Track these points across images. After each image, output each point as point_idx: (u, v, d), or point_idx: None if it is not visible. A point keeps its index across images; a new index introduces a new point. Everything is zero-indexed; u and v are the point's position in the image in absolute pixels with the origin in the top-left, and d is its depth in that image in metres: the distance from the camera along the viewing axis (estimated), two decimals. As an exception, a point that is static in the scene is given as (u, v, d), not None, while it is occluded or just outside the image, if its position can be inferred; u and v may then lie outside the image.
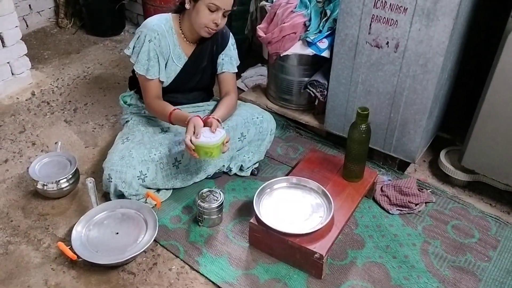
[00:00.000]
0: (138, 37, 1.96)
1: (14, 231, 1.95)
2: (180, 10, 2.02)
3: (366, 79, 2.12)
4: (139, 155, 1.97)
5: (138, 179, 1.96)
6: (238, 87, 2.97)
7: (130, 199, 1.98)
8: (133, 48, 1.98)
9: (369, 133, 1.89)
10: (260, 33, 2.31)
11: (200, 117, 1.89)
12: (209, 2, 1.83)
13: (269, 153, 2.34)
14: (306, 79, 2.46)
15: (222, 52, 2.11)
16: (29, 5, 3.71)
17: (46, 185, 2.05)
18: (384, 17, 1.92)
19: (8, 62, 2.83)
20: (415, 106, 2.04)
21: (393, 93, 2.07)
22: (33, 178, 2.05)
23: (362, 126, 1.86)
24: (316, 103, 2.51)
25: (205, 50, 2.08)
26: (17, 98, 2.84)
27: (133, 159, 1.94)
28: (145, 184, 2.00)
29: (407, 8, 1.86)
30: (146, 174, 1.97)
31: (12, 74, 2.87)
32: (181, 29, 2.02)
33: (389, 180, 2.18)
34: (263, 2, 2.41)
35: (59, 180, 2.06)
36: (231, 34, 2.13)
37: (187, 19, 1.98)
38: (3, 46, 2.77)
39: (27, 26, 3.70)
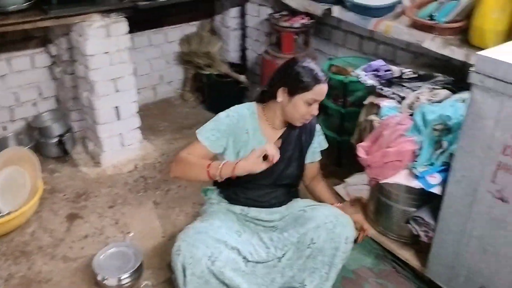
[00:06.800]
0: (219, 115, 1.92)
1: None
2: (263, 100, 1.95)
3: (483, 235, 1.68)
4: (216, 234, 1.80)
5: (208, 259, 1.74)
6: (338, 194, 2.69)
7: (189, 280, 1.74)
8: None
9: None
10: (361, 153, 2.01)
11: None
12: (309, 98, 1.79)
13: (354, 289, 1.97)
14: (412, 209, 2.07)
15: (312, 141, 2.01)
16: (161, 76, 3.94)
17: (107, 279, 1.98)
18: (515, 168, 1.51)
19: (120, 134, 2.96)
20: (548, 286, 1.54)
21: (517, 262, 1.60)
22: (95, 270, 2.00)
23: None
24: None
25: (292, 137, 1.94)
26: (120, 169, 2.93)
27: (208, 238, 1.77)
28: (213, 270, 1.76)
29: (547, 163, 1.43)
30: (217, 257, 1.75)
31: (122, 145, 2.99)
32: (265, 115, 1.93)
33: None
34: (372, 116, 2.13)
35: (120, 277, 1.98)
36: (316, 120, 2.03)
37: (273, 108, 1.90)
38: (118, 118, 2.90)
39: (155, 95, 3.91)
